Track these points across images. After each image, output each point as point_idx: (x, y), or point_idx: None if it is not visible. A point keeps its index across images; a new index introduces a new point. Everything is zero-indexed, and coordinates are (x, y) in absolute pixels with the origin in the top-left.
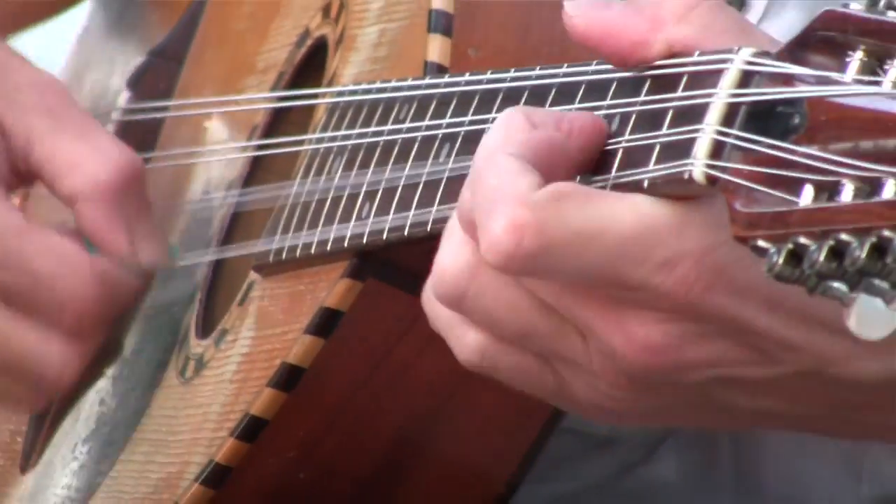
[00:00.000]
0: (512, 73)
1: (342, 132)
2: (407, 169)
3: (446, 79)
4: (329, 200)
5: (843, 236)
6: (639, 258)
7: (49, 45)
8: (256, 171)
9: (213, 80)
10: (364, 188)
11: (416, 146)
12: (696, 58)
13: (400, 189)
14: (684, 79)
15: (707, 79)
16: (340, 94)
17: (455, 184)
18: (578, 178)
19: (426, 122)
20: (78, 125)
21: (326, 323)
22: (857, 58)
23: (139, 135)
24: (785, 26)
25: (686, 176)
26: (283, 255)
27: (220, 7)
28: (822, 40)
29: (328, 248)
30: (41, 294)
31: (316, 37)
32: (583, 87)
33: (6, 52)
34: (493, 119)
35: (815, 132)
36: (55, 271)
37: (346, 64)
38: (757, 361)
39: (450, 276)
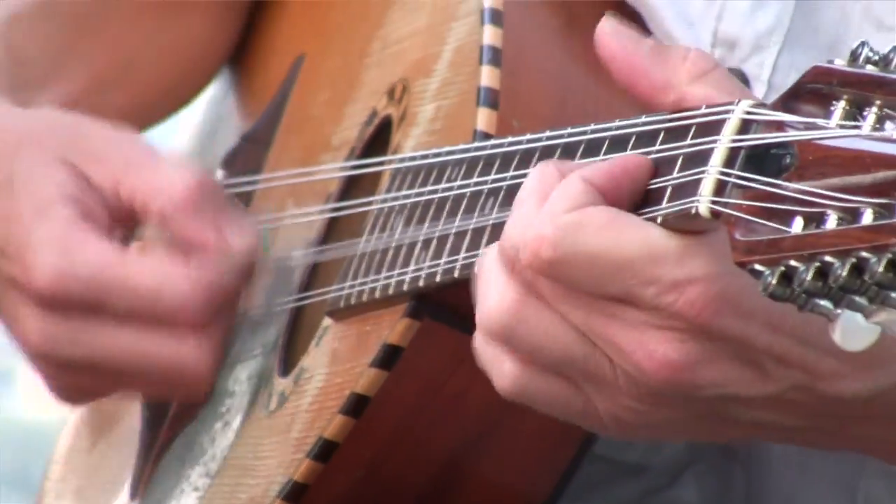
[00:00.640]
0: (547, 133)
1: (403, 192)
2: (457, 220)
3: (491, 142)
4: (391, 250)
5: (828, 258)
6: (647, 278)
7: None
8: (332, 232)
9: (295, 159)
10: (421, 238)
11: (465, 201)
12: (703, 110)
13: (451, 237)
14: (693, 129)
15: (712, 127)
16: (402, 160)
17: (499, 230)
18: None
19: (474, 180)
20: (146, 158)
21: (389, 357)
22: (840, 106)
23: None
24: None
25: (693, 211)
26: (353, 301)
27: (301, 97)
28: (810, 91)
29: (390, 291)
30: (155, 307)
31: (382, 116)
32: (607, 141)
33: (75, 117)
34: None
35: (804, 170)
36: (156, 284)
37: (408, 137)
38: (758, 379)
39: (496, 313)
